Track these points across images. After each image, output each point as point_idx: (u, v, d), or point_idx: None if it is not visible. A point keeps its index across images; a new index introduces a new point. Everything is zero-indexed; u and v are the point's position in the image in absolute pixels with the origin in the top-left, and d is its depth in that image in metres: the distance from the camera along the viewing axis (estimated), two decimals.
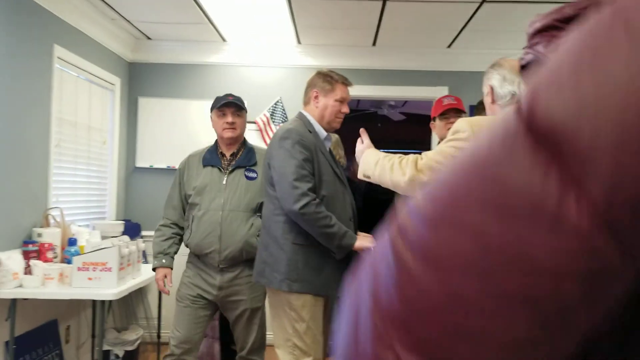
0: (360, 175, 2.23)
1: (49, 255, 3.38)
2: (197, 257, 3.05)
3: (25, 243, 3.34)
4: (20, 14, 3.34)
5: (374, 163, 2.15)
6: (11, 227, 3.30)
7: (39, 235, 3.42)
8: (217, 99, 3.11)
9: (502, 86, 2.04)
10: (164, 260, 3.04)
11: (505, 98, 2.05)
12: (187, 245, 3.09)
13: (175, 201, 3.13)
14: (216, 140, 3.16)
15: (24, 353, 3.34)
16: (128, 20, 4.44)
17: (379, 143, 9.25)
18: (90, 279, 3.16)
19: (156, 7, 4.12)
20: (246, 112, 3.14)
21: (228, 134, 3.02)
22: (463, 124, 1.96)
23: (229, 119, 3.01)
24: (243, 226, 2.95)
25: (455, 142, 1.95)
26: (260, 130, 5.06)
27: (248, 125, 5.10)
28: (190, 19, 4.34)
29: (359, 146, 2.36)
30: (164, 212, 3.17)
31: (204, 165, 3.07)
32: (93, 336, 4.12)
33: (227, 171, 3.03)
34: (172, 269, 3.08)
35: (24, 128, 3.43)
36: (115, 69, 4.76)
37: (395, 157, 2.08)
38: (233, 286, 3.00)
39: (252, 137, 5.08)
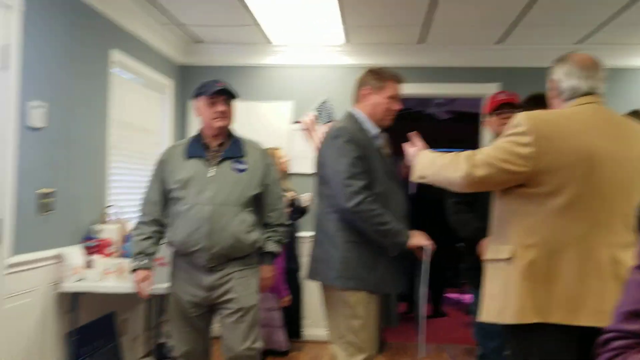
0: (415, 177, 2.23)
1: (108, 250, 3.50)
2: (182, 257, 2.79)
3: (86, 239, 3.47)
4: (78, 19, 3.47)
5: (428, 163, 2.15)
6: (73, 224, 3.43)
7: (99, 231, 3.55)
8: (205, 85, 2.85)
9: (564, 81, 2.02)
10: (145, 261, 2.78)
11: (565, 92, 2.03)
12: (170, 244, 2.83)
13: (155, 196, 2.84)
14: (200, 131, 2.88)
15: (84, 344, 3.46)
16: (179, 24, 4.54)
17: (426, 142, 9.15)
18: None
19: (206, 10, 4.21)
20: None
21: (219, 123, 2.75)
22: (522, 118, 1.94)
23: (220, 107, 2.75)
24: (233, 221, 2.69)
25: (514, 137, 1.93)
26: (306, 130, 5.10)
27: (294, 125, 5.19)
28: (238, 21, 4.41)
29: (410, 149, 2.36)
30: (142, 209, 2.89)
31: (189, 157, 2.78)
32: (148, 329, 4.24)
33: (214, 163, 2.76)
34: (152, 270, 2.82)
35: (84, 129, 3.56)
36: (167, 72, 4.89)
37: (449, 155, 2.08)
38: (223, 284, 2.74)
39: (299, 137, 5.13)
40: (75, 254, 3.32)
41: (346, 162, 2.49)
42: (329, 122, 5.01)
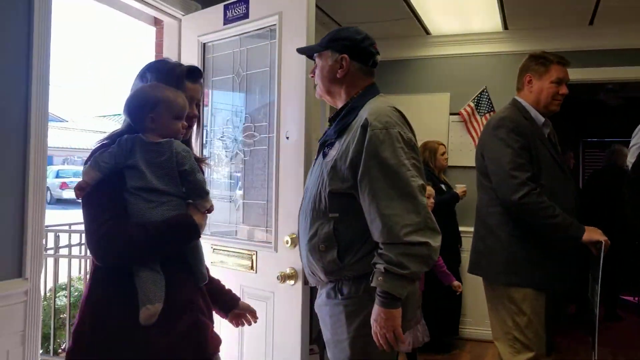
0: None
1: None
2: None
3: None
4: None
5: None
6: None
7: None
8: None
9: None
10: None
11: None
12: None
13: None
14: None
15: None
16: (338, 24, 4.67)
17: (595, 132, 8.53)
18: None
19: (366, 8, 4.29)
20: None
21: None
22: None
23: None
24: None
25: None
26: (465, 121, 4.99)
27: (452, 117, 5.08)
28: (396, 15, 4.44)
29: None
30: None
31: None
32: None
33: None
34: None
35: None
36: None
37: None
38: None
39: (457, 129, 5.02)
40: None
41: (510, 152, 2.40)
42: (489, 112, 4.87)
